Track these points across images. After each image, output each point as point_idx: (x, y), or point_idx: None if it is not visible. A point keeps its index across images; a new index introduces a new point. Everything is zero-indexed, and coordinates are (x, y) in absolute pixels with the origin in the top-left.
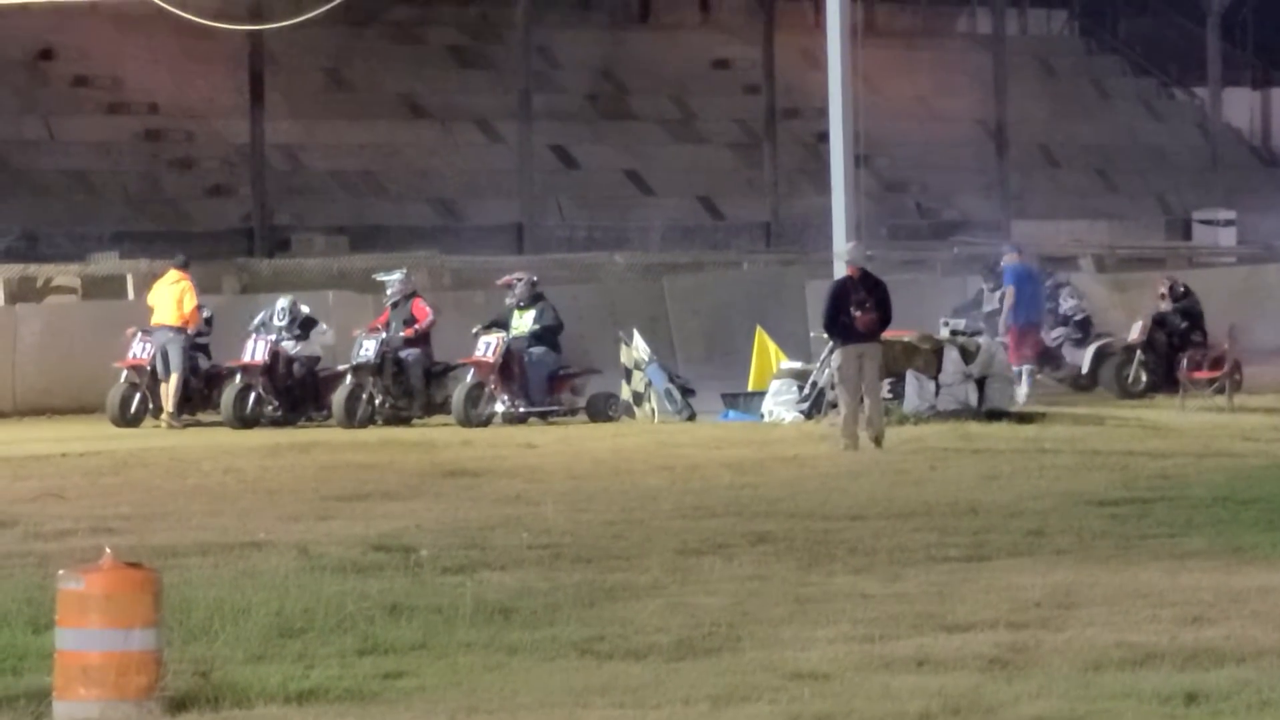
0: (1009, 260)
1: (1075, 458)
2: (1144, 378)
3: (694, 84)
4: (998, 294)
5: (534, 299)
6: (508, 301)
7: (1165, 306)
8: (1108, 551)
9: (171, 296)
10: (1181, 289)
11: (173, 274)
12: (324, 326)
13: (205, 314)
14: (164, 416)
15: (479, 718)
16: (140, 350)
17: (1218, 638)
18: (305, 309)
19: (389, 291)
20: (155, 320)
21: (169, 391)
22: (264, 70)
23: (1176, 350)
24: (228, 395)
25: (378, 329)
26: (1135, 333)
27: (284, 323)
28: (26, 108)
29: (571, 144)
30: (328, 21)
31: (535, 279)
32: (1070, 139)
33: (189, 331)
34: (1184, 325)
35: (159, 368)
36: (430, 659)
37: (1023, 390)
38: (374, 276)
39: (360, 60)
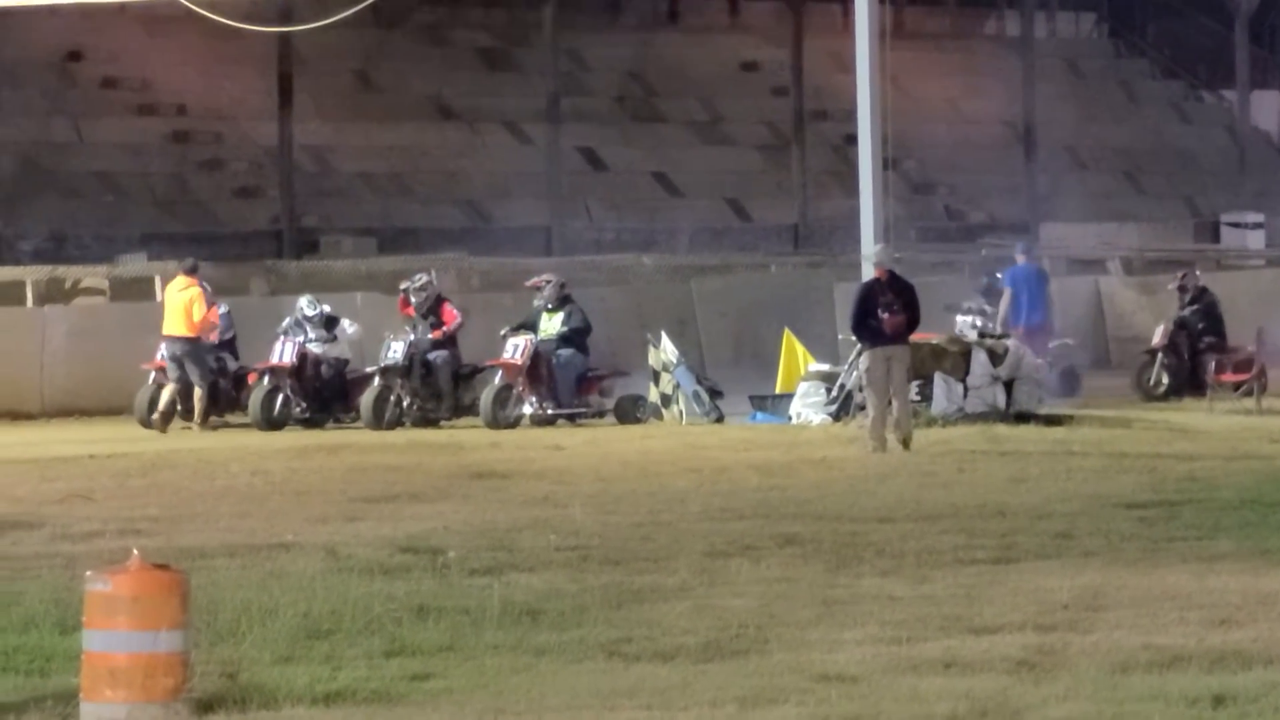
0: (1019, 261)
1: (1103, 460)
2: (1165, 380)
3: (722, 86)
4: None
5: (562, 301)
6: (536, 304)
7: (1182, 302)
8: (1135, 554)
9: (180, 305)
10: (1196, 284)
11: (180, 280)
12: (348, 321)
13: (223, 309)
14: (194, 425)
15: (506, 719)
16: None
17: (1245, 640)
18: (325, 307)
19: (414, 301)
20: (166, 330)
21: (196, 403)
22: (292, 72)
23: (1198, 353)
24: (255, 397)
25: (406, 330)
26: (1158, 336)
27: (314, 313)
28: (55, 109)
29: (600, 146)
30: (356, 23)
31: (564, 281)
32: (1098, 141)
33: (204, 339)
34: (1201, 326)
35: (172, 376)
36: (458, 661)
37: None
38: (400, 287)
39: (389, 62)
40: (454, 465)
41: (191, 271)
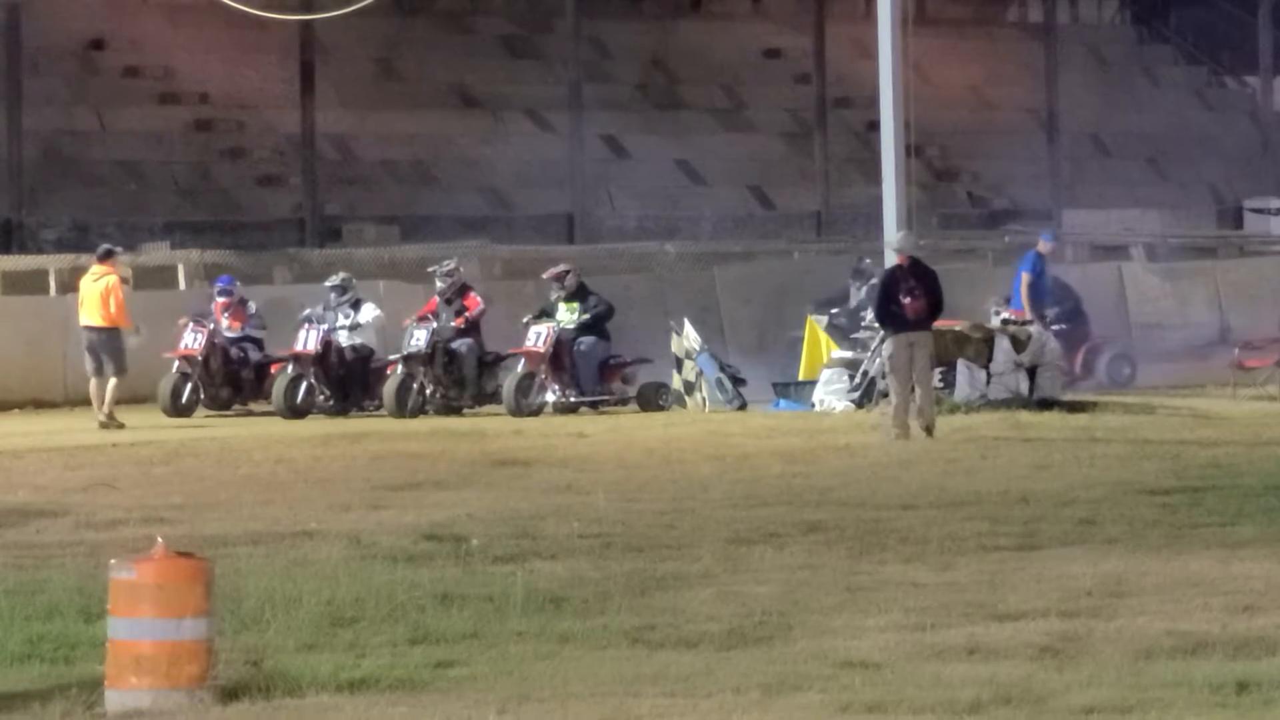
0: (1042, 249)
1: (1126, 447)
2: None
3: (745, 73)
4: (863, 291)
5: (579, 291)
6: (553, 296)
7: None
8: (1159, 540)
9: (96, 294)
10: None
11: (96, 269)
12: (370, 305)
13: (252, 309)
14: (101, 416)
15: (530, 706)
16: (192, 340)
17: (1269, 626)
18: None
19: (439, 286)
20: (82, 321)
21: (107, 393)
22: (315, 60)
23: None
24: (279, 385)
25: (427, 318)
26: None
27: (337, 283)
28: (78, 98)
29: (622, 134)
30: (378, 11)
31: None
32: (1121, 128)
33: (124, 330)
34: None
35: (89, 368)
36: (481, 648)
37: None
38: (429, 269)
39: (411, 50)
40: (477, 453)
41: (105, 258)
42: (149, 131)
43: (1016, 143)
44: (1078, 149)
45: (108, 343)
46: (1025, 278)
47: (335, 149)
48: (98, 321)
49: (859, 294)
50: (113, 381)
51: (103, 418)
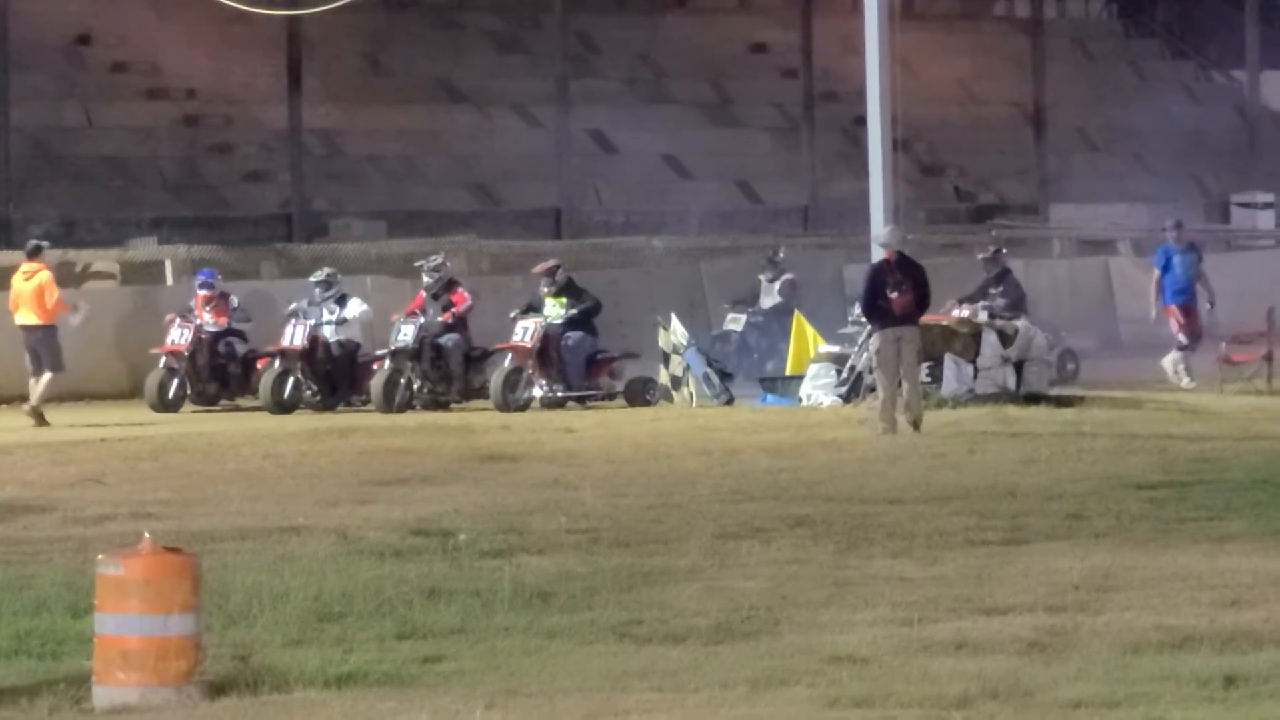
0: (1169, 239)
1: (1114, 441)
2: None
3: (732, 68)
4: (776, 285)
5: (567, 286)
6: (542, 291)
7: (985, 279)
8: (1146, 535)
9: (30, 291)
10: (1002, 265)
11: (27, 266)
12: (357, 301)
13: (234, 303)
14: (28, 407)
15: (518, 701)
16: (178, 336)
17: (1256, 620)
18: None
19: (427, 281)
20: (18, 320)
21: (40, 387)
22: (302, 55)
23: None
24: (266, 380)
25: (414, 313)
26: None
27: (322, 278)
28: (65, 93)
29: (609, 128)
30: (366, 6)
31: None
32: (1108, 122)
33: (58, 324)
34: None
35: (30, 366)
36: (469, 643)
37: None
38: (416, 264)
39: (398, 45)
40: (464, 448)
41: (35, 254)
42: (136, 127)
43: (1003, 137)
44: (1065, 143)
45: (44, 340)
46: (1154, 273)
47: (322, 144)
48: (34, 320)
49: (774, 292)
50: (47, 377)
51: (28, 408)
